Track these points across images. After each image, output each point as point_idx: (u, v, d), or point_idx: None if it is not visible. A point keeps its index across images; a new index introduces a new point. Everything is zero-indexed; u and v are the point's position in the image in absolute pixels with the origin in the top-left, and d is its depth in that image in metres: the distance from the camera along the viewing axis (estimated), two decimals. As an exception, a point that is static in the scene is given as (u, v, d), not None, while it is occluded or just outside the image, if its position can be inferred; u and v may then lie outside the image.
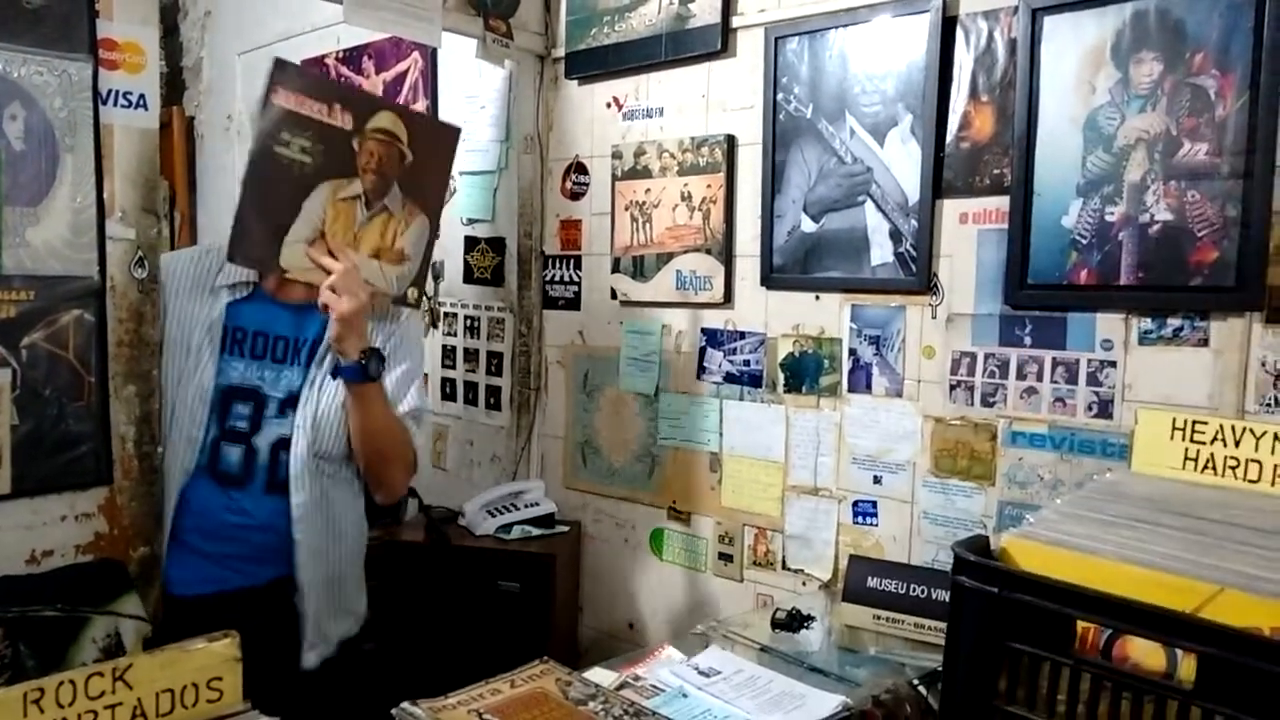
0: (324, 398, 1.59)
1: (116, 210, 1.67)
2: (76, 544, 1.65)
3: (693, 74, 2.07)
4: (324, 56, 2.99)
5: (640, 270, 2.18)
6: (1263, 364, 1.39)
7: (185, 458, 1.63)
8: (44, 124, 1.58)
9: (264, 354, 1.63)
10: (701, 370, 2.09)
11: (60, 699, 1.01)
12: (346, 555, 1.70)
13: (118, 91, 1.67)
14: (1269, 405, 1.38)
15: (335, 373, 1.54)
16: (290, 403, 1.60)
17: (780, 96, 1.91)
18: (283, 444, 1.59)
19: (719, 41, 1.99)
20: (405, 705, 1.14)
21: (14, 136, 1.55)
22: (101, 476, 1.66)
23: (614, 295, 2.24)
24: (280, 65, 1.58)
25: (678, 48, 2.07)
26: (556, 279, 2.40)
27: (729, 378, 2.04)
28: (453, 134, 1.72)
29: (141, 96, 1.70)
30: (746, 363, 2.00)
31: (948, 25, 1.70)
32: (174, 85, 3.69)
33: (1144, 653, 0.88)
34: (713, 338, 2.06)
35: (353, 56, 2.89)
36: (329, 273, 1.53)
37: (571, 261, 2.35)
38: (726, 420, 2.04)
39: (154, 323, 1.74)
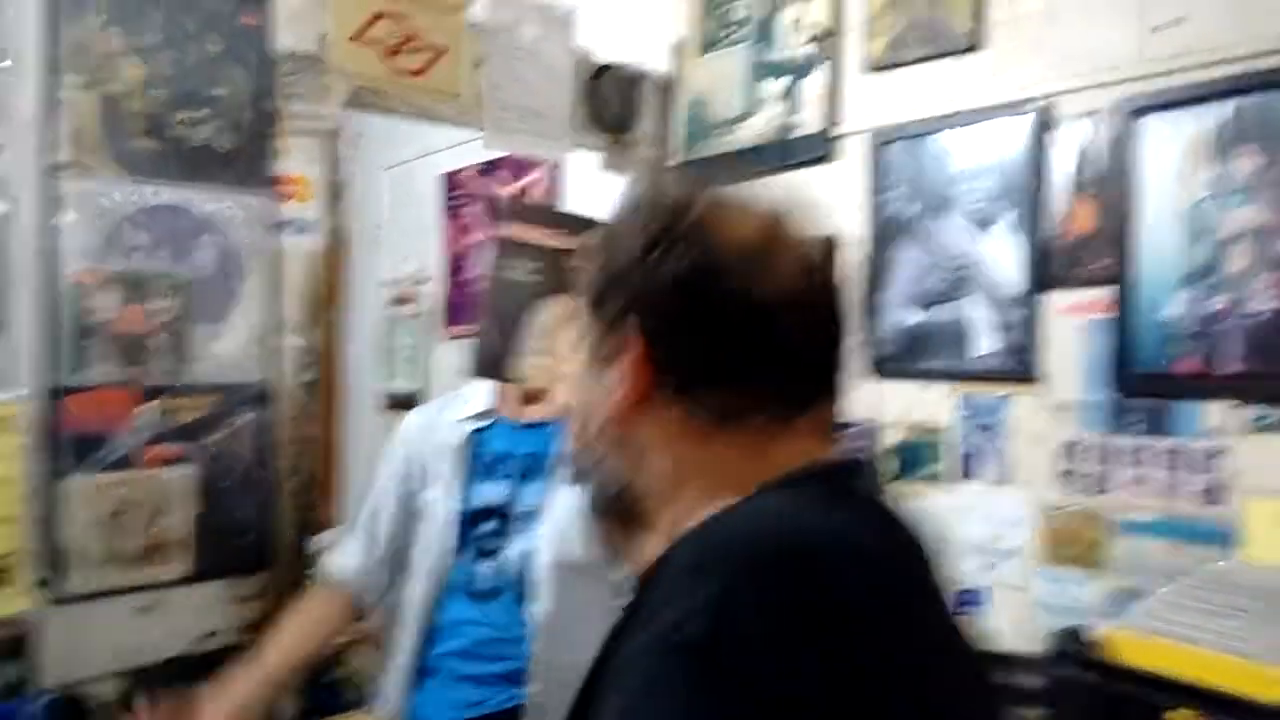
0: (565, 504, 1.60)
1: (289, 323, 1.89)
2: (238, 625, 1.83)
3: (797, 179, 2.19)
4: (464, 170, 3.25)
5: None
6: None
7: (430, 585, 1.64)
8: (229, 251, 1.82)
9: (510, 474, 1.67)
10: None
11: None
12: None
13: (289, 220, 1.91)
14: None
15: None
16: (536, 515, 1.62)
17: (882, 197, 2.01)
18: (532, 555, 1.60)
19: (823, 148, 2.11)
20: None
21: (205, 263, 1.80)
22: (263, 562, 1.86)
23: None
24: (508, 204, 1.79)
25: (784, 155, 2.19)
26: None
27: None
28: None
29: (310, 224, 1.93)
30: (857, 450, 2.07)
31: (1046, 125, 1.77)
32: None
33: (1240, 743, 0.90)
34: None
35: (490, 169, 3.14)
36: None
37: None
38: (841, 507, 2.10)
39: (316, 421, 1.95)
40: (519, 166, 3.03)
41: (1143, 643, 1.03)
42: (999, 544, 1.83)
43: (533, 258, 1.75)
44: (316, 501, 1.93)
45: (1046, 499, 1.76)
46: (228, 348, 1.82)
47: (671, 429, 0.61)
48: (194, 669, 1.67)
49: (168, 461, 1.73)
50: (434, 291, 3.40)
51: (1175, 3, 1.64)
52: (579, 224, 1.80)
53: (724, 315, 0.60)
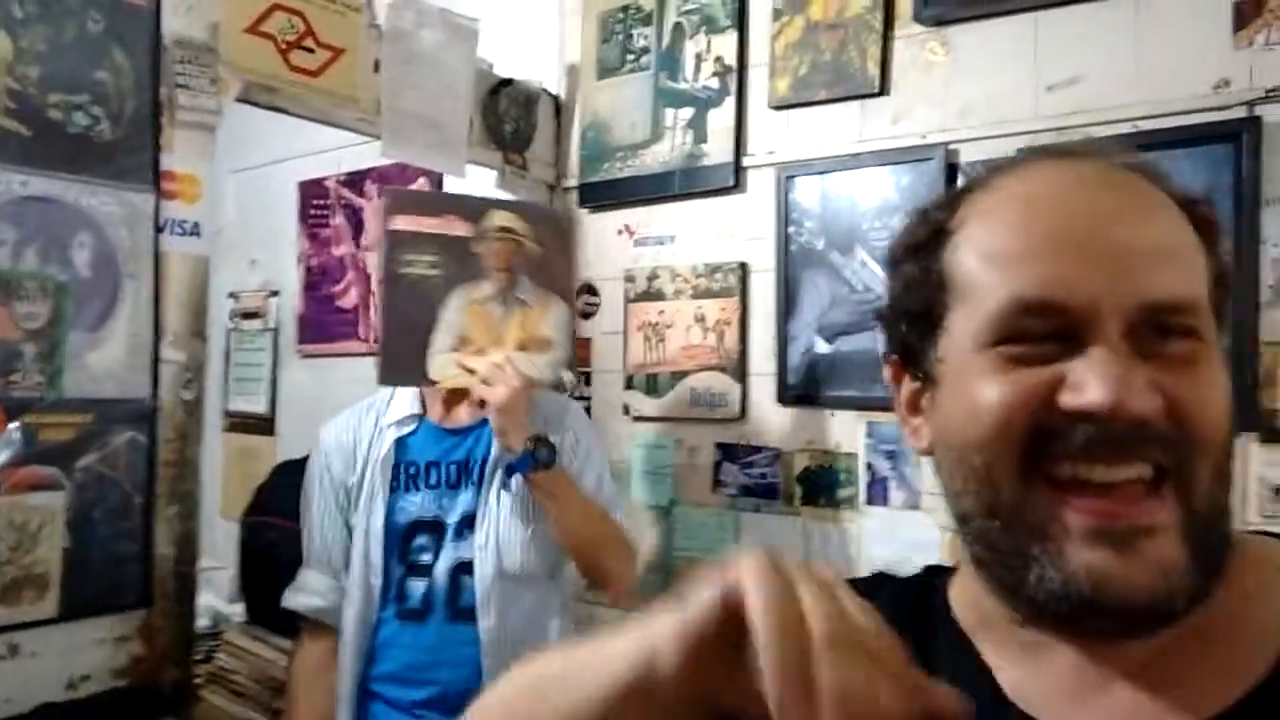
0: (502, 512, 1.57)
1: (169, 334, 1.72)
2: (113, 668, 1.64)
3: (704, 206, 2.22)
4: (324, 179, 3.08)
5: (653, 387, 2.28)
6: (1261, 480, 1.54)
7: (363, 606, 1.57)
8: (109, 252, 1.64)
9: (439, 483, 1.61)
10: (717, 484, 2.18)
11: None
12: None
13: (174, 220, 1.74)
14: (1271, 517, 1.53)
15: (509, 470, 1.54)
16: (468, 524, 1.57)
17: (792, 229, 2.07)
18: (462, 568, 1.55)
19: (732, 178, 2.15)
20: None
21: (81, 264, 1.61)
22: (142, 598, 1.67)
23: (626, 411, 2.33)
24: (391, 193, 1.67)
25: (691, 182, 2.22)
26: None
27: (745, 490, 2.13)
28: (565, 220, 1.80)
29: (196, 225, 1.77)
30: (763, 475, 2.10)
31: (950, 171, 1.88)
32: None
33: None
34: (728, 452, 2.16)
35: (355, 180, 2.99)
36: (475, 373, 1.56)
37: (581, 379, 2.44)
38: (744, 532, 2.13)
39: (197, 442, 1.77)
40: (387, 178, 2.90)
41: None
42: (907, 567, 1.90)
43: (433, 249, 1.66)
44: (198, 531, 1.75)
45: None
46: (104, 360, 1.63)
47: None
48: (66, 719, 1.48)
49: (34, 487, 1.52)
50: (287, 305, 3.19)
51: (1069, 64, 1.79)
52: (475, 207, 1.71)
53: None
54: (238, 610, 2.56)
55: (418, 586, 1.56)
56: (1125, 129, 1.72)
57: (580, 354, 2.45)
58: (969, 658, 0.56)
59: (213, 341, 3.35)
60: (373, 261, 2.87)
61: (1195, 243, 0.53)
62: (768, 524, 2.09)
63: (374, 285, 2.82)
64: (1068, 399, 0.49)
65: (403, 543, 1.58)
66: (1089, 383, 0.48)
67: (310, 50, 1.98)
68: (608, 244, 2.39)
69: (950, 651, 0.58)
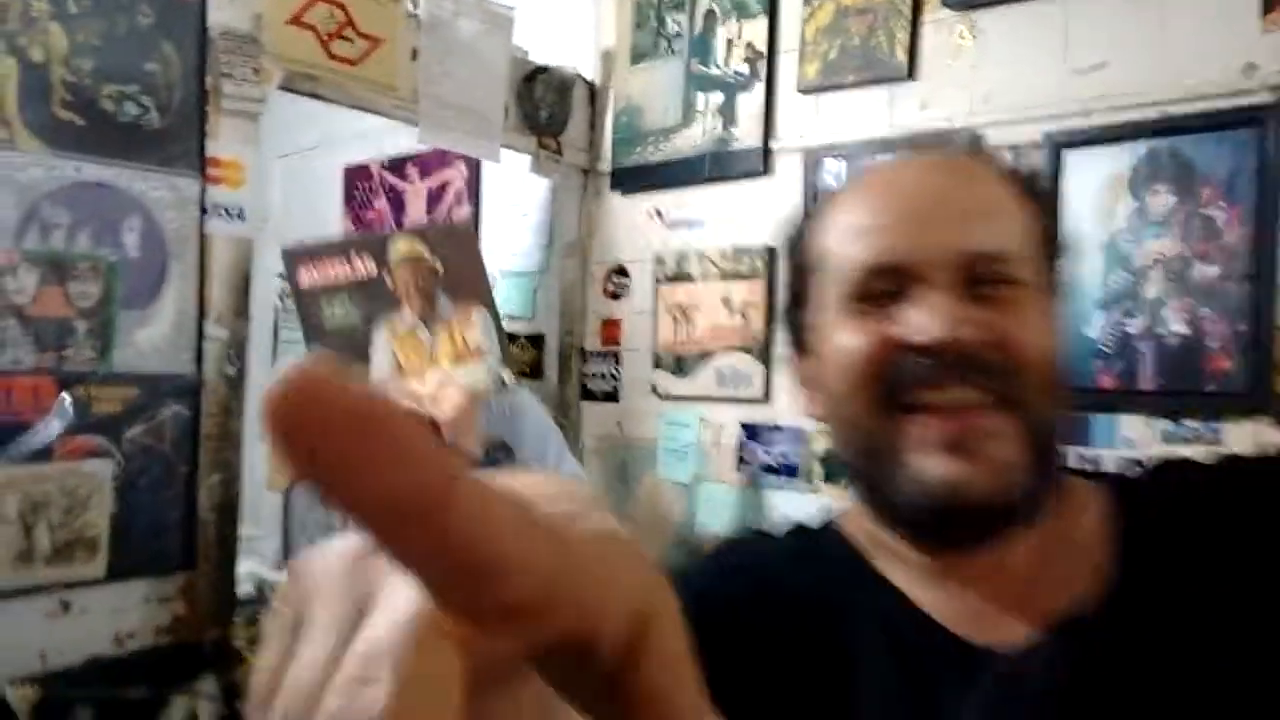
0: None
1: (213, 312, 1.80)
2: (157, 626, 1.73)
3: (734, 190, 2.25)
4: (368, 164, 3.16)
5: (680, 367, 2.32)
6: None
7: None
8: (156, 234, 1.73)
9: None
10: (741, 461, 2.22)
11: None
12: None
13: (218, 204, 1.82)
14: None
15: None
16: None
17: (818, 213, 2.09)
18: None
19: (760, 163, 2.18)
20: None
21: (131, 246, 1.70)
22: (185, 561, 1.76)
23: (654, 390, 2.38)
24: (287, 252, 1.73)
25: (720, 167, 2.25)
26: (595, 374, 2.53)
27: (767, 469, 2.17)
28: (468, 231, 1.87)
29: (240, 209, 1.85)
30: (784, 454, 2.14)
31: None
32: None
33: None
34: (751, 431, 2.20)
35: (397, 165, 3.07)
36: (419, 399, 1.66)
37: (611, 357, 2.50)
38: (768, 508, 2.17)
39: (239, 416, 1.86)
40: (427, 163, 2.98)
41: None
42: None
43: (344, 296, 1.73)
44: (239, 499, 1.84)
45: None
46: (153, 336, 1.72)
47: None
48: (115, 672, 1.58)
49: (86, 454, 1.62)
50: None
51: (1097, 49, 1.79)
52: (376, 243, 1.79)
53: None
54: (282, 577, 2.67)
55: None
56: (1152, 114, 1.71)
57: (610, 334, 2.50)
58: (888, 590, 0.62)
59: (262, 320, 3.48)
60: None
61: (1015, 207, 0.61)
62: (790, 502, 2.13)
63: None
64: (908, 336, 0.57)
65: None
66: (924, 321, 0.56)
67: (350, 40, 2.04)
68: (638, 227, 2.44)
69: (864, 584, 0.63)
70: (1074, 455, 1.74)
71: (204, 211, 1.80)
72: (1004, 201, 0.61)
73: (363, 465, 0.17)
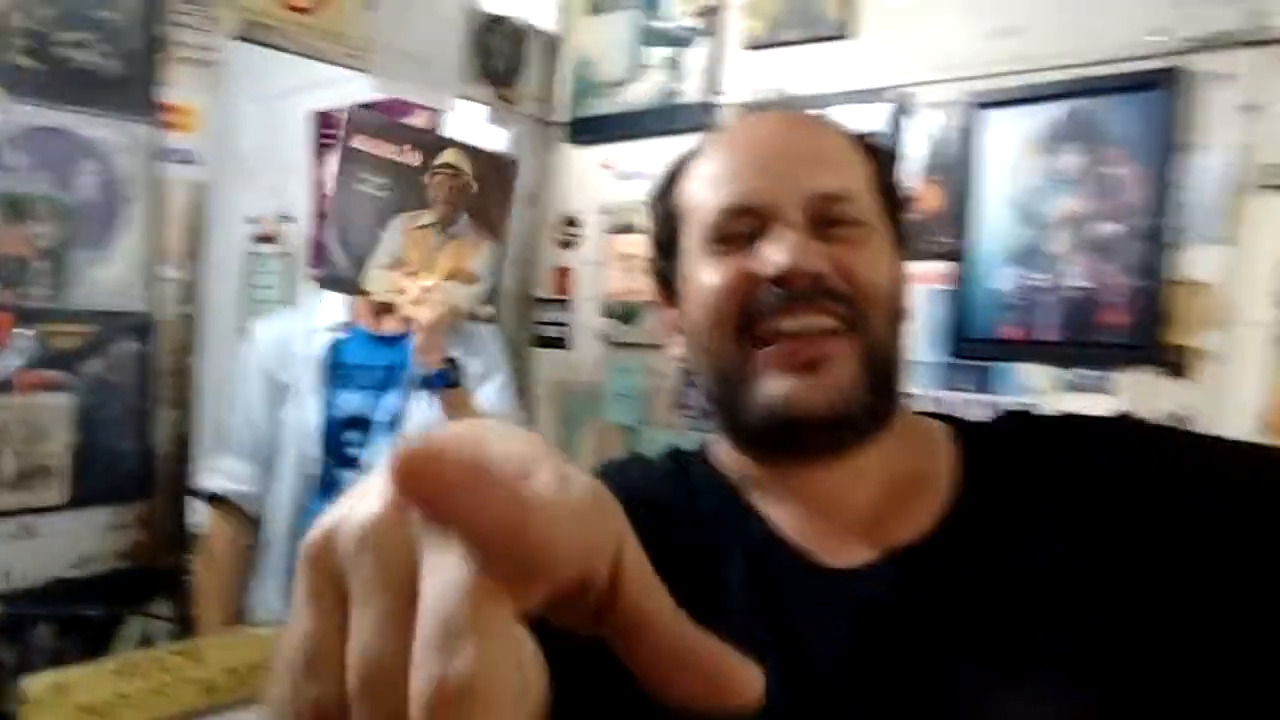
0: (426, 413, 1.77)
1: (169, 254, 1.88)
2: (115, 550, 1.83)
3: (681, 143, 2.30)
4: (337, 109, 3.21)
5: (628, 315, 2.41)
6: (1162, 412, 1.64)
7: (301, 494, 1.78)
8: (112, 178, 1.80)
9: (369, 384, 1.80)
10: (682, 406, 2.32)
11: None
12: None
13: (172, 149, 1.89)
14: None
15: (424, 382, 1.73)
16: (395, 422, 1.77)
17: (757, 167, 2.16)
18: None
19: (705, 117, 2.25)
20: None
21: (87, 189, 1.77)
22: (141, 491, 1.86)
23: (603, 337, 2.47)
24: (357, 113, 1.82)
25: (666, 121, 2.32)
26: (546, 321, 2.62)
27: (704, 412, 2.26)
28: (512, 165, 1.95)
29: (193, 153, 1.92)
30: (723, 401, 2.23)
31: (903, 112, 1.96)
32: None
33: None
34: (691, 377, 2.29)
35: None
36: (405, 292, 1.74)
37: (562, 305, 2.58)
38: (704, 453, 2.26)
39: (194, 353, 1.94)
40: (396, 111, 3.02)
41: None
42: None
43: (383, 172, 1.80)
44: (193, 433, 1.93)
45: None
46: (109, 276, 1.80)
47: None
48: (74, 592, 1.68)
49: (44, 388, 1.71)
50: (300, 232, 3.35)
51: (1013, 12, 1.86)
52: (431, 142, 1.85)
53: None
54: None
55: (347, 476, 1.76)
56: (1068, 76, 1.78)
57: (561, 282, 2.58)
58: (750, 514, 0.67)
59: (232, 264, 3.55)
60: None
61: (857, 159, 0.69)
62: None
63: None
64: (759, 267, 0.63)
65: (335, 437, 1.78)
66: (775, 253, 0.63)
67: (303, -12, 2.09)
68: (590, 178, 2.51)
69: (729, 507, 0.68)
70: (978, 403, 1.85)
71: (157, 156, 1.86)
72: (847, 152, 0.69)
73: (467, 511, 0.24)
